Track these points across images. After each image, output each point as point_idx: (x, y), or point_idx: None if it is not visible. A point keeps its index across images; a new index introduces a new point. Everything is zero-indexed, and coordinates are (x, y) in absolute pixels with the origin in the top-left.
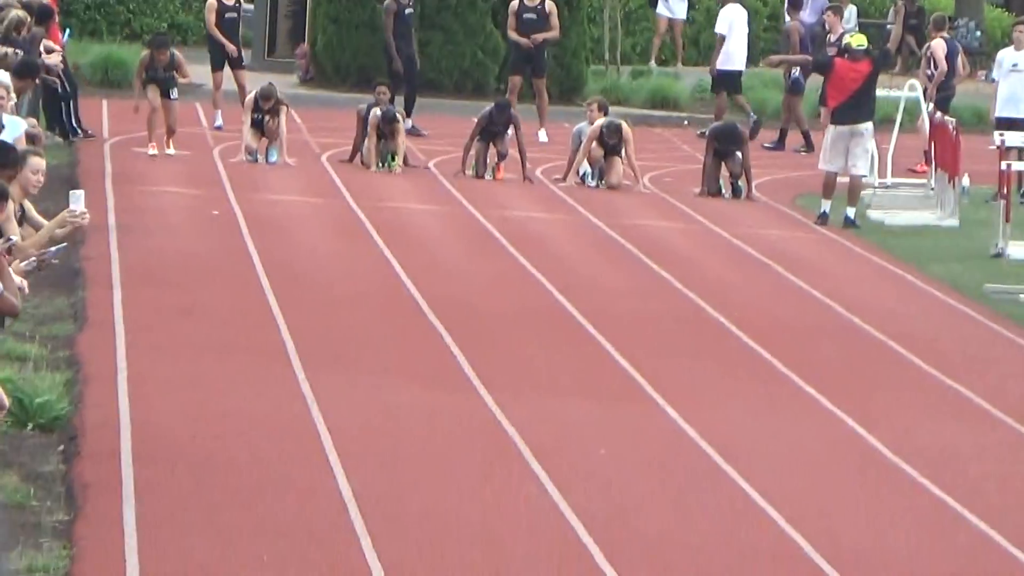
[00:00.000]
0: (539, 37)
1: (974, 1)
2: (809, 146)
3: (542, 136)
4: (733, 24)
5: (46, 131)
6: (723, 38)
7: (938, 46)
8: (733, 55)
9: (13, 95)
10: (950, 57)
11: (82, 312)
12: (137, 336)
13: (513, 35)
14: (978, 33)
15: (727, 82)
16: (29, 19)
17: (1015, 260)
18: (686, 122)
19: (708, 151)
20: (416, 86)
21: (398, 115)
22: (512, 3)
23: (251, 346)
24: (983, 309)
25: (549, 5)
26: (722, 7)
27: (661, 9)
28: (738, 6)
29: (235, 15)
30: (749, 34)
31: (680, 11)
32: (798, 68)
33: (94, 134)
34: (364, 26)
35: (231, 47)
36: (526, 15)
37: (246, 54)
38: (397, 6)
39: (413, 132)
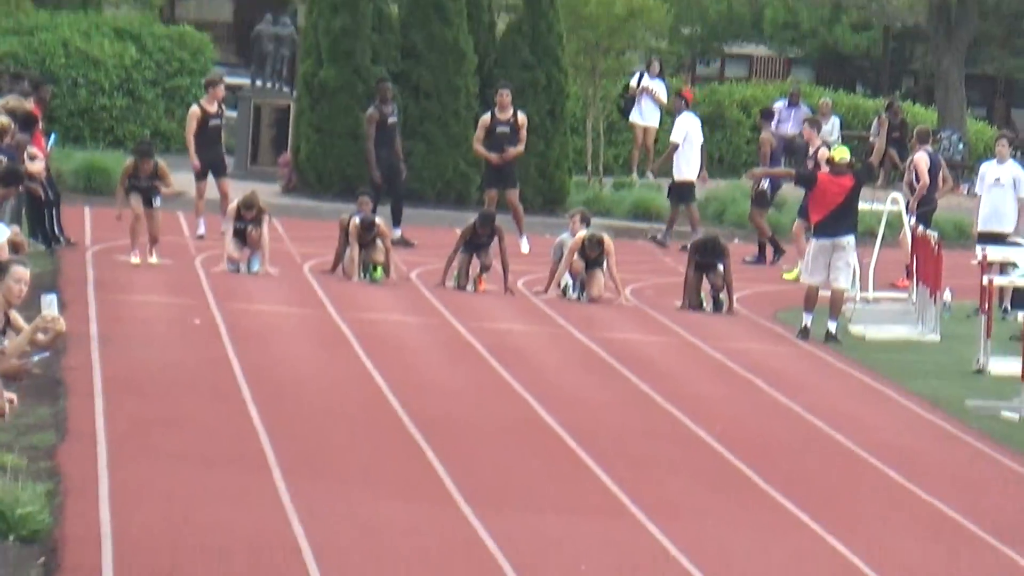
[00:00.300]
0: (510, 153)
1: (957, 114)
2: (778, 251)
3: (524, 246)
4: (689, 134)
5: (28, 238)
6: (676, 146)
7: (921, 159)
8: (690, 164)
9: None
10: (933, 170)
11: (64, 422)
12: (119, 447)
13: (480, 149)
14: (961, 146)
15: (684, 192)
16: (13, 126)
17: (996, 376)
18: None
19: (689, 264)
20: (402, 196)
21: (377, 222)
22: (483, 116)
23: (233, 457)
24: (964, 425)
25: (521, 118)
26: (677, 116)
27: (634, 117)
28: (692, 115)
29: (219, 122)
30: (703, 145)
31: (652, 119)
32: (767, 180)
33: (76, 242)
34: (347, 135)
35: (195, 163)
36: (499, 128)
37: (228, 162)
38: (380, 115)
39: (401, 243)
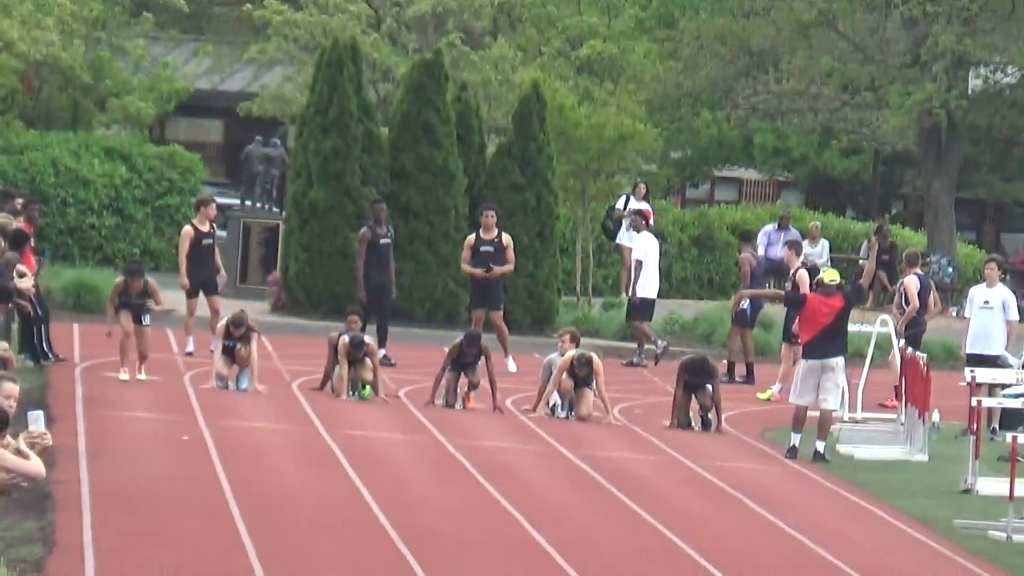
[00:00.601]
0: (497, 272)
1: (946, 238)
2: (731, 376)
3: (511, 365)
4: (648, 253)
5: (18, 355)
6: (640, 263)
7: (910, 282)
8: (647, 283)
9: None
10: (922, 293)
11: (51, 535)
12: (107, 561)
13: (467, 268)
14: (950, 269)
15: (644, 309)
16: (2, 244)
17: (984, 496)
18: (657, 354)
19: (678, 384)
20: (387, 316)
21: (366, 341)
22: (468, 237)
23: (221, 573)
24: (952, 544)
25: (506, 238)
26: (637, 234)
27: (622, 239)
28: (650, 235)
29: (211, 241)
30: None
31: None
32: (747, 301)
33: (65, 358)
34: (336, 254)
35: (184, 282)
36: (483, 248)
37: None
38: (372, 235)
39: (384, 362)
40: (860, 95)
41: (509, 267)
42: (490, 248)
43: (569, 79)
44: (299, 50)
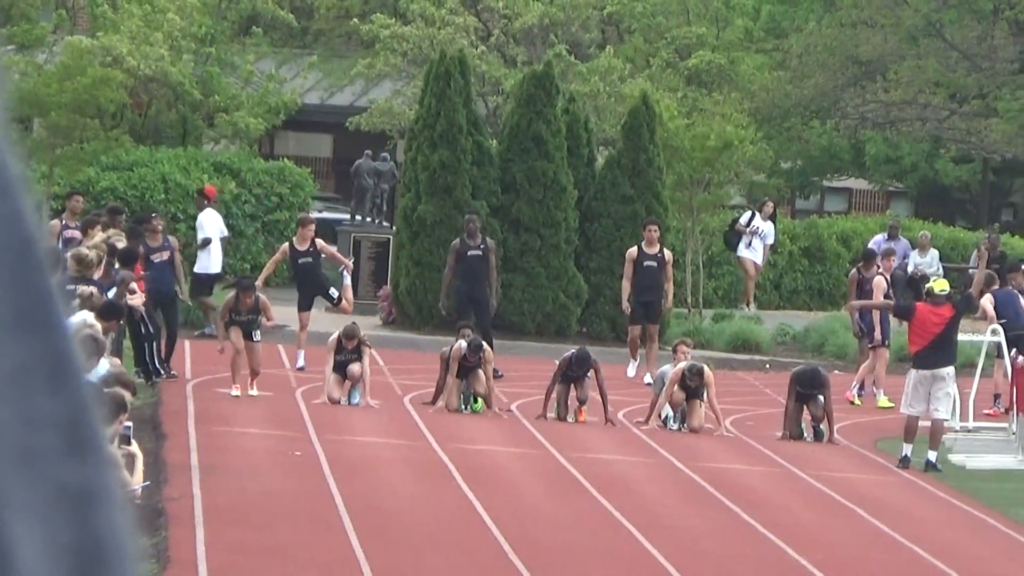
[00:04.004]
0: (668, 292)
1: None
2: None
3: (642, 375)
4: (215, 231)
5: (134, 371)
6: (208, 240)
7: (986, 301)
8: (212, 260)
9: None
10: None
11: (165, 552)
12: None
13: (627, 286)
14: None
15: (207, 285)
16: (107, 259)
17: None
18: (767, 366)
19: (790, 395)
20: (486, 328)
21: (484, 347)
22: (631, 250)
23: None
24: None
25: (667, 254)
26: (201, 212)
27: (744, 252)
28: (214, 212)
29: (309, 260)
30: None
31: (759, 257)
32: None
33: (176, 374)
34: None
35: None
36: (647, 263)
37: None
38: (460, 245)
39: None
40: (968, 103)
41: (671, 283)
42: (653, 263)
43: (677, 90)
44: (407, 64)
